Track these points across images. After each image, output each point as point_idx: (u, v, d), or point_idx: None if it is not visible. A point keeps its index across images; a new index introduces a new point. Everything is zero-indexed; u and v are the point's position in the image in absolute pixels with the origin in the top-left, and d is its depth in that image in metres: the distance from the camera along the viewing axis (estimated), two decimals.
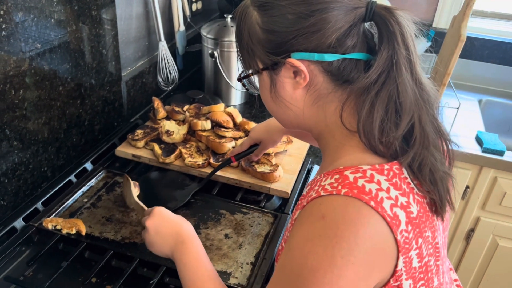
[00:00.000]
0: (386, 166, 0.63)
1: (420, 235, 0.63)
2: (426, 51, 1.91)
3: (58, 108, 1.14)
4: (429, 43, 1.89)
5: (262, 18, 0.67)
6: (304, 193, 0.72)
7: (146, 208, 0.93)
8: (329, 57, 0.65)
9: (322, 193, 0.61)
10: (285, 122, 0.77)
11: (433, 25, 1.95)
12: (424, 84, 0.65)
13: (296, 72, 0.67)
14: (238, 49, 0.73)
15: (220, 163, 1.16)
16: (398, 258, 0.61)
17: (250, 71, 0.73)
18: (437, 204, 0.66)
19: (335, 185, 0.61)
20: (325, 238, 0.58)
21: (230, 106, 1.66)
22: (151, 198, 1.09)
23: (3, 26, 0.92)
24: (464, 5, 1.41)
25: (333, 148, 0.71)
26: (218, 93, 1.67)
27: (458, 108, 1.50)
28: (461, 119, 1.62)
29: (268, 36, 0.66)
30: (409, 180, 0.64)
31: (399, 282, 0.63)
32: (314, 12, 0.63)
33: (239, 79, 0.77)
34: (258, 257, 0.96)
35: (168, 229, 0.83)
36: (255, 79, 0.75)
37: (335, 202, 0.60)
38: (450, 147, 0.70)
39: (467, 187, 1.56)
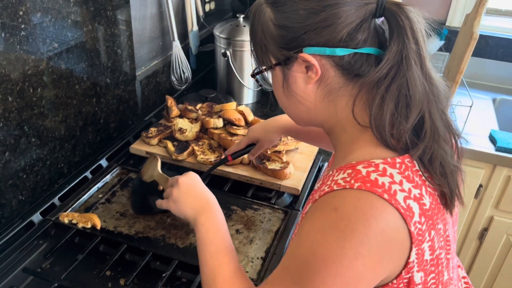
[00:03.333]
0: (398, 160, 0.64)
1: (432, 227, 0.64)
2: (439, 49, 1.91)
3: (74, 106, 1.17)
4: (442, 42, 1.89)
5: (275, 15, 0.69)
6: (315, 188, 0.73)
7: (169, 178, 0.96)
8: (340, 51, 0.66)
9: (335, 188, 0.62)
10: (297, 118, 0.78)
11: (446, 24, 1.94)
12: (434, 78, 0.66)
13: (308, 67, 0.68)
14: (252, 46, 0.75)
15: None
16: (411, 250, 0.61)
17: (264, 67, 0.74)
18: (447, 197, 0.67)
19: (348, 179, 0.62)
20: (336, 230, 0.59)
21: (242, 104, 1.68)
22: (142, 200, 1.09)
23: (22, 27, 0.96)
24: (477, 3, 1.40)
25: (345, 143, 0.72)
26: (231, 92, 1.69)
27: (471, 106, 1.49)
28: (475, 118, 1.61)
29: (281, 32, 0.68)
30: (420, 172, 0.65)
31: (410, 274, 0.63)
32: (326, 7, 0.65)
33: (253, 75, 0.78)
34: (269, 252, 0.97)
35: (198, 193, 0.86)
36: (268, 75, 0.77)
37: (348, 196, 0.61)
38: (459, 142, 0.71)
39: (480, 186, 1.55)
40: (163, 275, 0.89)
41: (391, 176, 0.62)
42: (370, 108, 0.66)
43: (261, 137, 1.09)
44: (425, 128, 0.64)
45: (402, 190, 0.61)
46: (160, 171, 1.02)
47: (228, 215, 1.07)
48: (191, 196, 0.86)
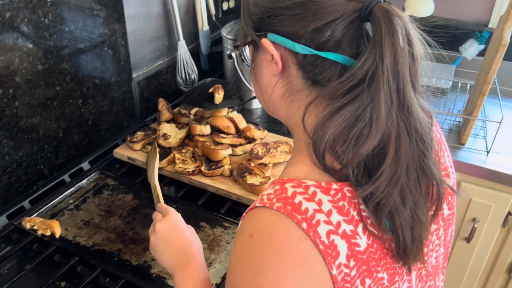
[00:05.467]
0: (334, 186, 0.53)
1: (368, 275, 0.53)
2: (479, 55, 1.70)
3: (55, 108, 1.14)
4: (482, 46, 1.68)
5: None
6: None
7: (161, 198, 0.90)
8: (300, 48, 0.56)
9: (257, 204, 0.54)
10: (263, 105, 0.70)
11: (490, 26, 1.72)
12: (414, 112, 0.53)
13: (273, 56, 0.60)
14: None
15: (211, 171, 1.10)
16: None
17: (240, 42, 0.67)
18: (394, 250, 0.55)
19: (272, 197, 0.53)
20: (253, 262, 0.51)
21: (250, 109, 1.59)
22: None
23: None
24: (510, 4, 1.21)
25: (294, 152, 0.63)
26: (239, 96, 1.60)
27: (500, 122, 1.30)
28: (505, 134, 1.40)
29: (253, 9, 0.60)
30: (363, 207, 0.54)
31: None
32: None
33: (235, 47, 0.71)
34: (225, 278, 0.88)
35: (177, 242, 0.77)
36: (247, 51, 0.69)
37: (265, 218, 0.52)
38: (439, 191, 0.57)
39: (509, 213, 1.35)
40: None
41: (319, 202, 0.51)
42: (317, 118, 0.55)
43: None
44: (383, 167, 0.52)
45: (328, 222, 0.51)
46: (156, 181, 0.96)
47: None
48: (168, 247, 0.77)
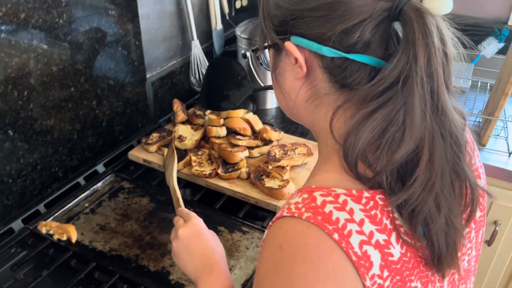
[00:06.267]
0: (366, 194, 0.51)
1: (402, 284, 0.51)
2: (498, 52, 1.66)
3: (70, 109, 1.13)
4: (502, 44, 1.64)
5: None
6: None
7: (181, 201, 0.87)
8: (328, 51, 0.54)
9: (285, 213, 0.52)
10: (285, 111, 0.68)
11: (509, 23, 1.68)
12: (449, 114, 0.51)
13: (297, 60, 0.57)
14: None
15: (228, 174, 1.08)
16: None
17: (260, 45, 0.65)
18: (432, 255, 0.53)
19: (300, 206, 0.51)
20: (283, 274, 0.49)
21: (265, 109, 1.57)
22: (210, 84, 1.06)
23: (3, 28, 0.92)
24: None
25: (321, 158, 0.61)
26: (253, 95, 1.57)
27: None
28: None
29: (275, 11, 0.58)
30: (396, 215, 0.51)
31: None
32: None
33: (253, 51, 0.69)
34: (246, 286, 0.86)
35: (200, 248, 0.75)
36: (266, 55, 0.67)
37: (294, 229, 0.50)
38: (473, 194, 0.55)
39: None
40: None
41: (351, 212, 0.49)
42: (347, 124, 0.53)
43: None
44: (417, 173, 0.50)
45: (360, 232, 0.48)
46: (175, 185, 0.92)
47: None
48: (190, 254, 0.75)
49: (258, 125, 1.23)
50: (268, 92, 1.56)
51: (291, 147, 1.17)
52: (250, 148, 1.18)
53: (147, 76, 1.38)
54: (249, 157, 1.18)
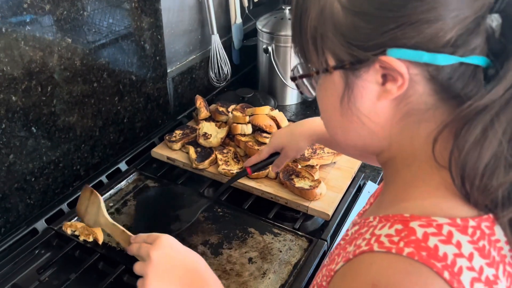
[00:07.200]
0: (471, 223, 0.45)
1: None
2: None
3: (92, 105, 1.09)
4: None
5: None
6: (348, 232, 0.56)
7: (128, 232, 0.79)
8: (443, 59, 0.45)
9: (375, 248, 0.45)
10: (348, 141, 0.57)
11: None
12: None
13: (387, 76, 0.48)
14: (296, 36, 0.53)
15: (256, 173, 1.04)
16: None
17: (314, 69, 0.53)
18: None
19: (396, 239, 0.44)
20: None
21: (284, 105, 1.53)
22: (148, 219, 0.99)
23: (28, 20, 0.88)
24: None
25: (403, 182, 0.52)
26: (272, 91, 1.54)
27: None
28: None
29: (355, 21, 0.47)
30: (501, 244, 0.46)
31: None
32: None
33: (294, 78, 0.57)
34: None
35: (182, 264, 0.66)
36: (316, 79, 0.55)
37: (393, 267, 0.43)
38: None
39: None
40: None
41: (458, 245, 0.43)
42: (458, 142, 0.46)
43: (286, 144, 0.92)
44: None
45: (471, 268, 0.42)
46: (109, 218, 0.83)
47: (243, 239, 0.94)
48: (174, 274, 0.65)
49: (284, 122, 1.20)
50: (288, 88, 1.52)
51: (320, 146, 1.14)
52: None
53: (168, 71, 1.34)
54: None
